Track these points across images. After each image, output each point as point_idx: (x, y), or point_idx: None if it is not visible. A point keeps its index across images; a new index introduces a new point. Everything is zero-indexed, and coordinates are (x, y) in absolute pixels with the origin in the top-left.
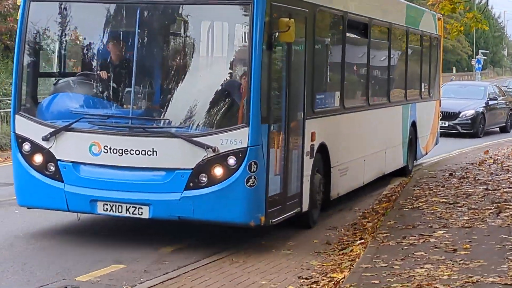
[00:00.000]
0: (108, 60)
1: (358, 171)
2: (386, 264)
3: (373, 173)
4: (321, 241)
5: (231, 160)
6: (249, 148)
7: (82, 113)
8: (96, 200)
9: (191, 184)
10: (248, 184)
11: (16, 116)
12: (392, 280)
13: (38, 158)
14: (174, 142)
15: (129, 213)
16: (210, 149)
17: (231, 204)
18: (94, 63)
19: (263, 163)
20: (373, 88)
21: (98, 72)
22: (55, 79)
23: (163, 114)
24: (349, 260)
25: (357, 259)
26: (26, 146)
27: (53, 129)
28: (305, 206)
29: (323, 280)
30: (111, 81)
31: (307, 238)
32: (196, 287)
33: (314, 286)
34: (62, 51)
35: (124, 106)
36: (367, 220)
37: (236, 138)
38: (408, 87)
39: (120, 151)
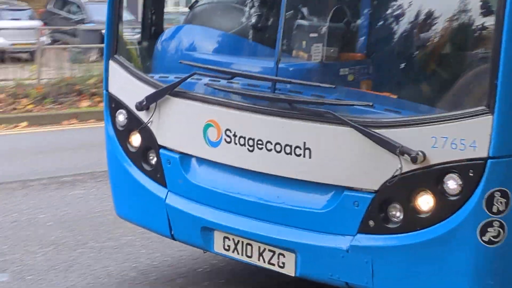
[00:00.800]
0: None
1: None
2: None
3: None
4: None
5: (452, 183)
6: (489, 160)
7: (198, 65)
8: (212, 229)
9: (371, 223)
10: (485, 238)
11: (110, 62)
12: None
13: (135, 140)
14: (342, 134)
15: (263, 260)
16: (407, 155)
17: (447, 273)
18: None
19: None
20: None
21: None
22: None
23: (328, 76)
24: None
25: None
26: (121, 117)
27: (154, 90)
28: None
29: None
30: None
31: None
32: None
33: None
34: None
35: (269, 57)
36: None
37: (464, 137)
38: None
39: (251, 141)
